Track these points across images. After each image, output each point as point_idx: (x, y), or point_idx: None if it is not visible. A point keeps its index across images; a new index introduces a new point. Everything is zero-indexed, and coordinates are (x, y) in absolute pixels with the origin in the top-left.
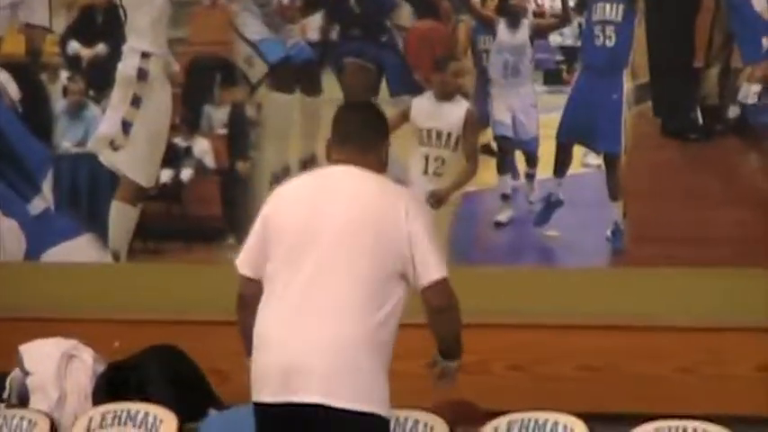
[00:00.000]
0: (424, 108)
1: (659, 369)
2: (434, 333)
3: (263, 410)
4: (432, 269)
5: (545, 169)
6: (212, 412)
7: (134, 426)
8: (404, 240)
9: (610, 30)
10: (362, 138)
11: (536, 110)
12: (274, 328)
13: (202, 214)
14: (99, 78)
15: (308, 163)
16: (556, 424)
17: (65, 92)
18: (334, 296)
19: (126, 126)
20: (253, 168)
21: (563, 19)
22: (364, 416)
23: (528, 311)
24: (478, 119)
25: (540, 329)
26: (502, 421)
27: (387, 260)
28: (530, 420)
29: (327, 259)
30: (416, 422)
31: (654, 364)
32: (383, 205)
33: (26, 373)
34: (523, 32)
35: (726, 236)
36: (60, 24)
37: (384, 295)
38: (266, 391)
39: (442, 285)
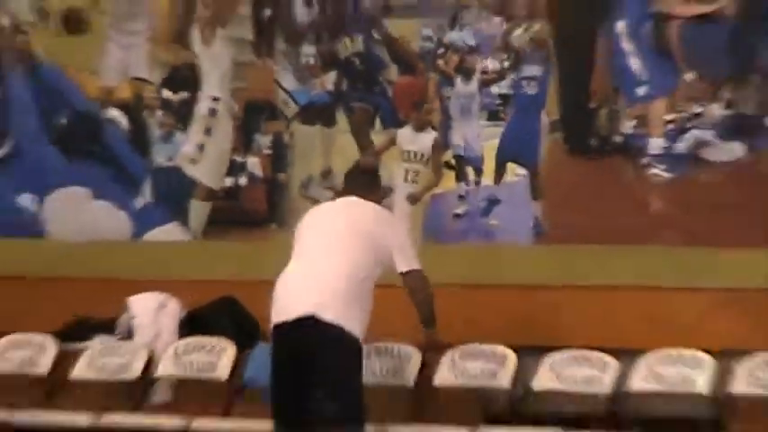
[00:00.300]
0: (405, 136)
1: (567, 316)
2: (415, 306)
3: (276, 329)
4: (407, 261)
5: (488, 178)
6: (259, 344)
7: (206, 352)
8: (387, 240)
9: (532, 83)
10: (364, 189)
11: (481, 138)
12: (288, 282)
13: (253, 208)
14: (183, 115)
15: (325, 174)
16: (494, 351)
17: (160, 125)
18: (332, 263)
19: (201, 148)
20: (288, 178)
21: (501, 75)
22: (342, 331)
23: (478, 275)
24: (442, 144)
25: (487, 287)
26: (458, 350)
27: (371, 249)
28: (477, 349)
29: (331, 245)
30: (399, 350)
31: (563, 311)
32: (373, 217)
33: (132, 317)
34: (473, 85)
35: (613, 222)
36: (157, 78)
37: (365, 268)
38: (278, 318)
39: (417, 274)
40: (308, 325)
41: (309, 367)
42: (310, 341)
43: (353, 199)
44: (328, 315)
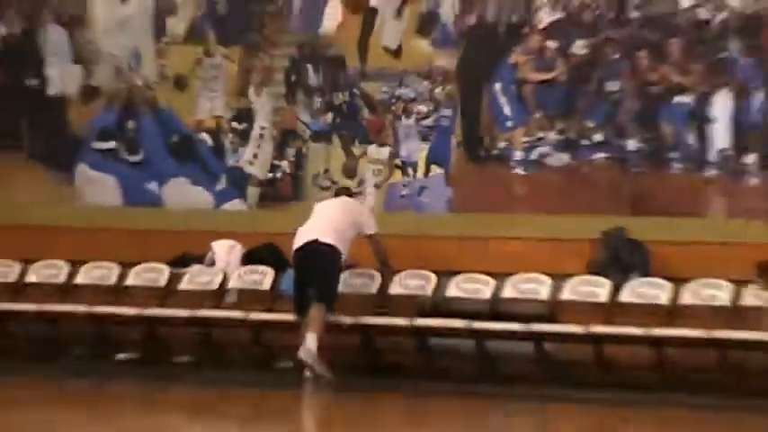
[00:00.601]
0: (372, 150)
1: (465, 254)
2: (374, 253)
3: (294, 252)
4: (370, 229)
5: (420, 174)
6: (288, 270)
7: (257, 274)
8: (359, 218)
9: (446, 119)
10: (348, 193)
11: (417, 150)
12: (302, 230)
13: (284, 191)
14: (244, 137)
15: (326, 171)
16: (424, 274)
17: (230, 143)
18: (328, 223)
19: (255, 156)
20: (304, 174)
21: (428, 115)
22: (332, 247)
23: (414, 230)
24: (394, 154)
25: (420, 238)
26: (403, 274)
27: (350, 220)
28: (414, 273)
29: (329, 216)
30: (368, 273)
31: (463, 251)
32: (353, 206)
33: (214, 254)
34: (412, 120)
35: (492, 200)
36: (229, 115)
37: (346, 228)
38: (296, 246)
39: (375, 236)
40: (313, 244)
41: (311, 272)
42: (314, 253)
43: (343, 197)
44: (325, 239)
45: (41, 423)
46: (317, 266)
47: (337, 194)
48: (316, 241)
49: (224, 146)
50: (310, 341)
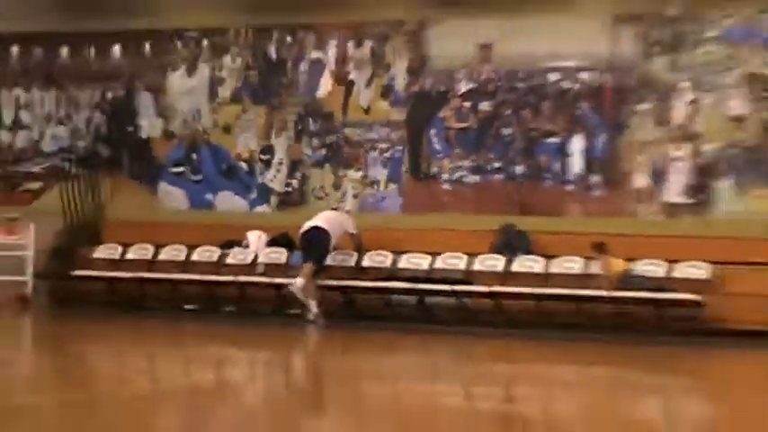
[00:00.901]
0: (352, 172)
1: (413, 241)
2: (353, 245)
3: (301, 235)
4: (351, 229)
5: (383, 188)
6: (295, 251)
7: (276, 254)
8: (345, 223)
9: (399, 152)
10: (336, 210)
11: (380, 173)
12: (306, 223)
13: (294, 199)
14: (268, 164)
15: (321, 187)
16: (384, 253)
17: (259, 167)
18: (323, 220)
19: (275, 176)
20: (308, 188)
21: (387, 149)
22: (326, 232)
23: (378, 225)
24: (365, 175)
25: (383, 229)
26: (371, 252)
27: (338, 222)
28: (378, 253)
29: (323, 216)
30: (348, 253)
31: (411, 239)
32: (339, 215)
33: (248, 240)
34: (377, 153)
35: (431, 205)
36: (257, 149)
37: (335, 226)
38: (301, 231)
39: (355, 234)
40: (313, 229)
41: (310, 245)
42: (313, 234)
43: (336, 210)
44: (321, 226)
45: (133, 352)
46: (313, 242)
47: (332, 210)
48: (315, 227)
49: (255, 170)
50: (298, 281)
